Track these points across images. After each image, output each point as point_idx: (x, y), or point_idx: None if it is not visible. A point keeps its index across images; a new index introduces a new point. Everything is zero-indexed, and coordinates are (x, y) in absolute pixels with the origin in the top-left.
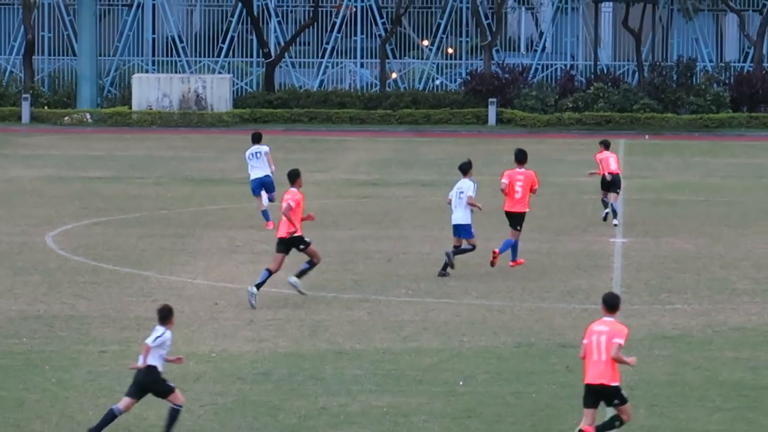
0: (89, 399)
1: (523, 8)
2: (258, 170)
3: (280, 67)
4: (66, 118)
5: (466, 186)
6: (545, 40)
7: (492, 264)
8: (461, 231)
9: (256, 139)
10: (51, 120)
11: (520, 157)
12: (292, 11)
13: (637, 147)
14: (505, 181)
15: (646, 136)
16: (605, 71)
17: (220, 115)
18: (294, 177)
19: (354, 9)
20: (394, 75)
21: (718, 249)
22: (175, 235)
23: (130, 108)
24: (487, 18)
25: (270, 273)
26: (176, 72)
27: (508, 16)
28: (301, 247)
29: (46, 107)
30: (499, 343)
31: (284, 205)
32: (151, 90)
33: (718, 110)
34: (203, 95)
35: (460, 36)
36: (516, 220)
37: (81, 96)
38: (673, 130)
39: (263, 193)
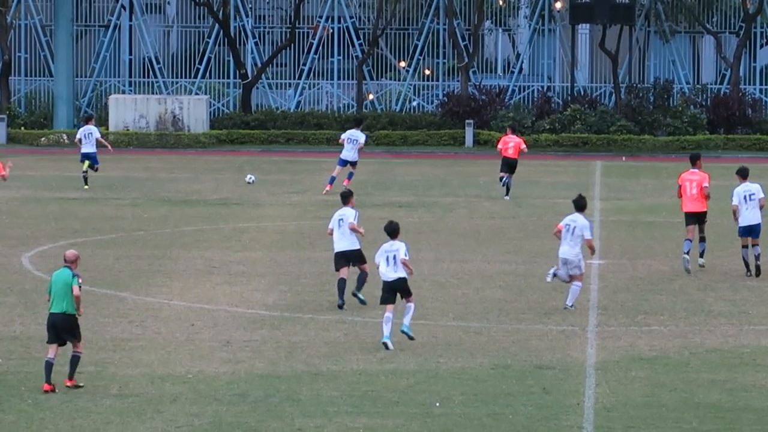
0: (65, 420)
1: (500, 30)
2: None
3: (257, 88)
4: (43, 139)
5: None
6: (522, 62)
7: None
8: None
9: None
10: (27, 141)
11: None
12: (269, 33)
13: (614, 169)
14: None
15: (623, 158)
16: (582, 93)
17: (196, 136)
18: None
19: (331, 30)
20: (371, 96)
21: (694, 270)
22: (152, 256)
23: (107, 129)
24: (464, 39)
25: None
26: (153, 93)
27: (484, 37)
28: None
29: (22, 128)
30: (476, 365)
31: None
32: (127, 111)
33: (695, 132)
34: (180, 116)
35: (437, 57)
36: None
37: (57, 117)
38: (650, 152)
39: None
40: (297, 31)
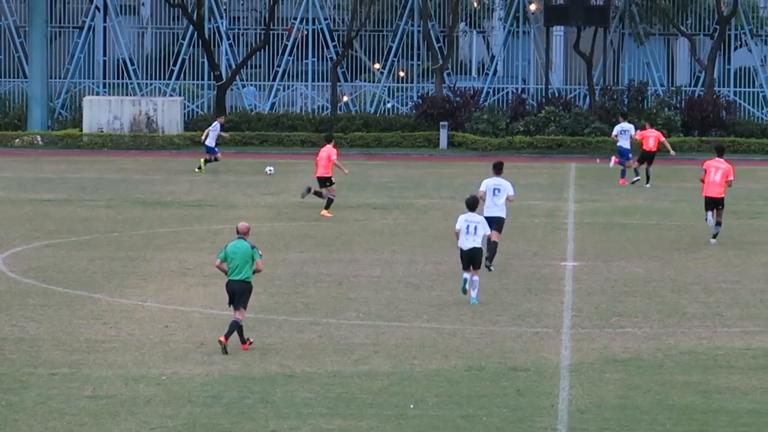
0: (39, 422)
1: (475, 32)
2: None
3: (231, 89)
4: (17, 140)
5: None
6: (496, 64)
7: None
8: None
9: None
10: (1, 142)
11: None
12: (243, 34)
13: (588, 171)
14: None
15: (597, 160)
16: (556, 95)
17: (171, 137)
18: None
19: (305, 32)
20: (345, 98)
21: (668, 273)
22: (126, 258)
23: (81, 130)
24: (438, 41)
25: None
26: (127, 94)
27: (459, 39)
28: None
29: None
30: (450, 367)
31: None
32: (102, 112)
33: (669, 134)
34: (154, 118)
35: (412, 59)
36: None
37: (32, 118)
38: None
39: None
40: (271, 32)
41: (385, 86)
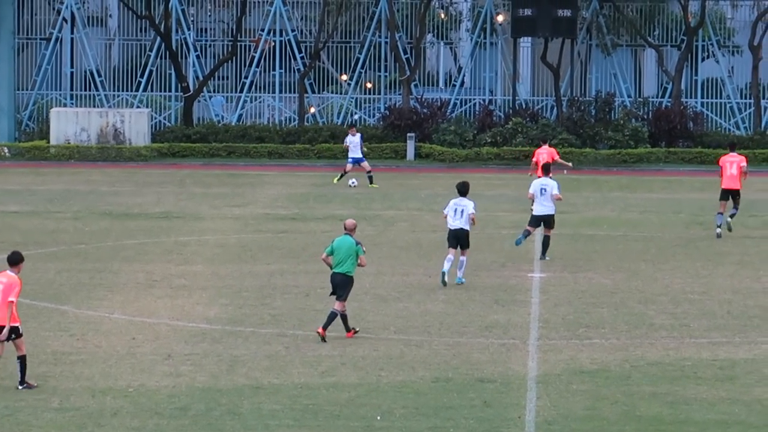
0: None
1: (442, 43)
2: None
3: (199, 101)
4: None
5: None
6: (464, 75)
7: None
8: None
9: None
10: None
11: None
12: (210, 45)
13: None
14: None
15: (565, 171)
16: (524, 106)
17: (138, 149)
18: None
19: (273, 43)
20: (312, 109)
21: (635, 284)
22: (93, 270)
23: (48, 142)
24: (405, 53)
25: None
26: (95, 106)
27: (426, 50)
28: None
29: None
30: (417, 378)
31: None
32: (69, 124)
33: (637, 145)
34: (121, 129)
35: (379, 71)
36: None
37: None
38: (592, 165)
39: None
40: (239, 44)
41: (353, 98)
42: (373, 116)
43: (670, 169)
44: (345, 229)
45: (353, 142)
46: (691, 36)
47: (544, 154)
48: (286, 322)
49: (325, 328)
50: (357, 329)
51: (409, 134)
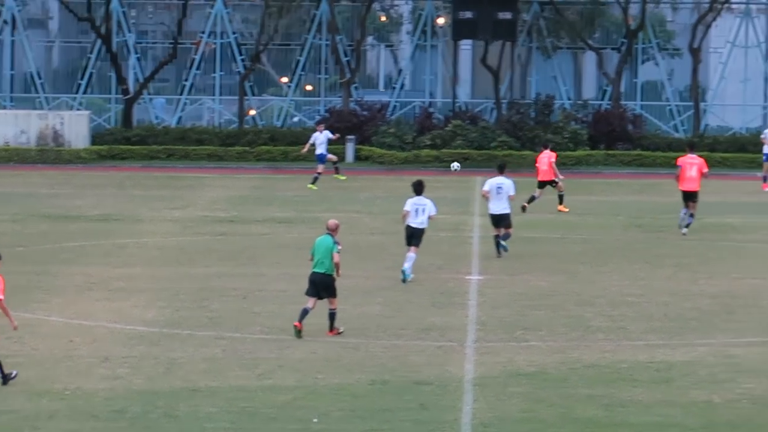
0: None
1: (382, 46)
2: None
3: (139, 103)
4: None
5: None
6: (404, 78)
7: None
8: None
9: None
10: None
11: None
12: (151, 48)
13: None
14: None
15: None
16: (463, 109)
17: (77, 151)
18: None
19: (213, 46)
20: (252, 112)
21: (573, 286)
22: (31, 272)
23: None
24: (346, 55)
25: None
26: (34, 108)
27: (367, 53)
28: None
29: None
30: (354, 381)
31: None
32: (8, 126)
33: (576, 148)
34: (61, 132)
35: (319, 73)
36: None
37: None
38: (531, 168)
39: None
40: (179, 46)
41: (293, 100)
42: (313, 119)
43: (609, 171)
44: (327, 229)
45: (319, 138)
46: (631, 39)
47: (545, 159)
48: (223, 324)
49: (330, 329)
50: (342, 330)
51: (348, 137)
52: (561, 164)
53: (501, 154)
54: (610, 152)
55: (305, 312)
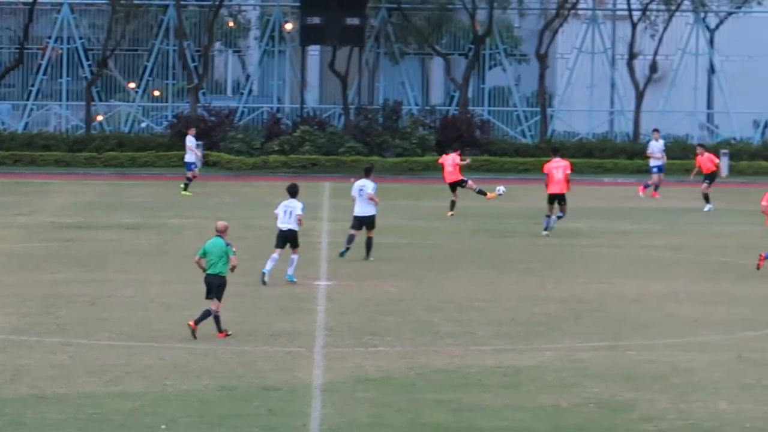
0: None
1: (230, 51)
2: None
3: None
4: None
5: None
6: (252, 83)
7: None
8: None
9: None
10: None
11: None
12: None
13: (343, 190)
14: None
15: (351, 180)
16: (312, 114)
17: None
18: None
19: (60, 51)
20: (99, 117)
21: (421, 292)
22: None
23: None
24: (194, 60)
25: None
26: None
27: (214, 58)
28: None
29: None
30: (202, 387)
31: None
32: None
33: (424, 153)
34: None
35: (167, 78)
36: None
37: None
38: (379, 173)
39: None
40: (26, 51)
41: (140, 106)
42: (161, 124)
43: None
44: (217, 231)
45: (193, 143)
46: (479, 44)
47: (450, 160)
48: (71, 331)
49: (197, 322)
50: (230, 332)
51: (197, 143)
52: (409, 170)
53: (349, 160)
54: None
55: (208, 313)
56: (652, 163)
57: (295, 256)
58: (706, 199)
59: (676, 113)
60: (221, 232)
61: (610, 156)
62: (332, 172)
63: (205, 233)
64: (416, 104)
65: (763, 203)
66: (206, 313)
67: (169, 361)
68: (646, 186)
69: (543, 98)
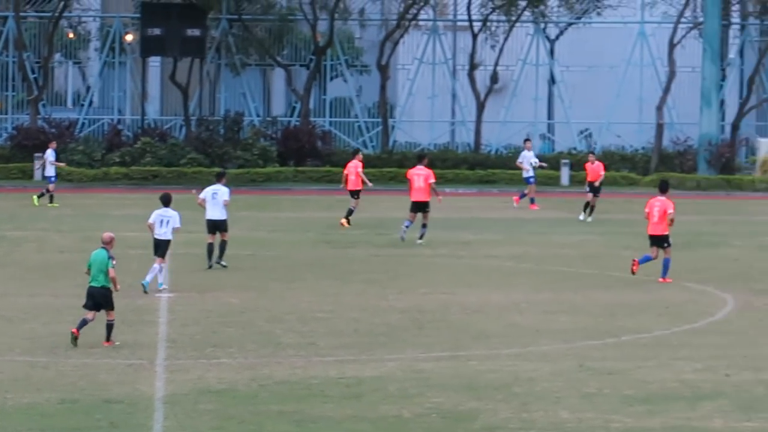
0: None
1: (70, 62)
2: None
3: None
4: None
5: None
6: (92, 95)
7: None
8: None
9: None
10: None
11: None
12: None
13: (185, 202)
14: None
15: (193, 191)
16: (153, 126)
17: None
18: None
19: None
20: None
21: (264, 303)
22: None
23: None
24: (33, 72)
25: None
26: None
27: (55, 70)
28: None
29: None
30: (43, 400)
31: None
32: None
33: (265, 164)
34: None
35: (6, 90)
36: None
37: None
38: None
39: None
40: None
41: None
42: (0, 136)
43: (299, 188)
44: (102, 242)
45: (53, 157)
46: (320, 55)
47: (353, 168)
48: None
49: (107, 340)
50: (118, 343)
51: (36, 154)
52: (251, 181)
53: (190, 171)
54: (299, 169)
55: (84, 322)
56: (525, 174)
57: (164, 264)
58: (586, 207)
59: (516, 123)
60: (106, 244)
61: (452, 166)
62: (174, 184)
63: (46, 245)
64: (258, 115)
65: (646, 209)
66: (83, 323)
67: (9, 374)
68: (522, 196)
69: (384, 109)
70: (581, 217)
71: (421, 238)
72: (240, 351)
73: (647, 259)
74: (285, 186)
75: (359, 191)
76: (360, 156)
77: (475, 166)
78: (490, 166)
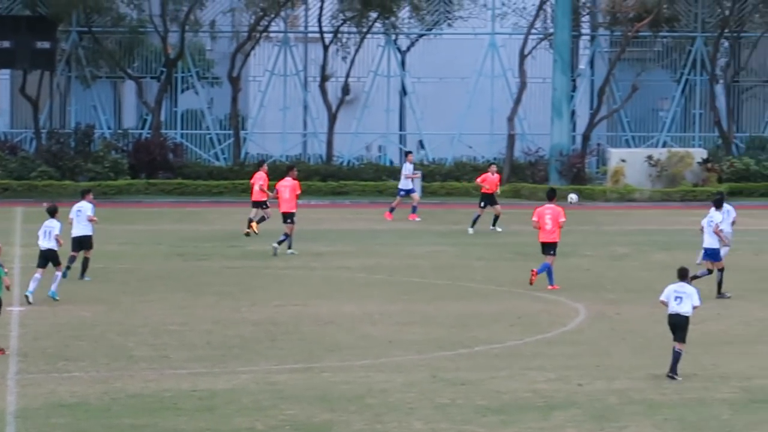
0: None
1: None
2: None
3: None
4: None
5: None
6: None
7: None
8: None
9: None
10: None
11: None
12: None
13: (36, 215)
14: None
15: (44, 204)
16: (3, 139)
17: None
18: None
19: None
20: None
21: (116, 316)
22: None
23: None
24: None
25: None
26: None
27: None
28: None
29: None
30: None
31: None
32: None
33: (117, 177)
34: None
35: None
36: None
37: None
38: (72, 198)
39: None
40: None
41: None
42: None
43: (150, 200)
44: None
45: None
46: (171, 67)
47: (259, 180)
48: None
49: None
50: (7, 352)
51: None
52: (102, 194)
53: (41, 184)
54: (151, 181)
55: None
56: (409, 185)
57: (58, 273)
58: (495, 220)
59: (369, 135)
60: None
61: (304, 178)
62: (25, 197)
63: None
64: (109, 128)
65: (534, 219)
66: None
67: None
68: (414, 210)
69: (236, 121)
70: (499, 228)
71: (280, 244)
72: (92, 364)
73: (546, 268)
74: (136, 198)
75: (265, 202)
76: (265, 167)
77: (327, 178)
78: (342, 178)
